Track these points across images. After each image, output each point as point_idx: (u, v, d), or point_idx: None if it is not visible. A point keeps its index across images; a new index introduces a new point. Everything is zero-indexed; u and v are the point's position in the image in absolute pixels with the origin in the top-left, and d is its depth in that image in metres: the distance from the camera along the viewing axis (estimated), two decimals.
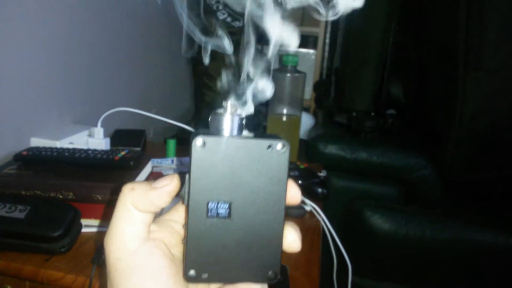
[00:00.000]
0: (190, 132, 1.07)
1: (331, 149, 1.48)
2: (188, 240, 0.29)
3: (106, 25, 1.21)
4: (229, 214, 0.29)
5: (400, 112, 1.75)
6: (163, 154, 1.06)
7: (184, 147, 1.13)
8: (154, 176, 0.89)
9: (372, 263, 1.42)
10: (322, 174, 1.13)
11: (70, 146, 0.90)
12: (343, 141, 1.51)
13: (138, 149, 1.02)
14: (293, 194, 0.31)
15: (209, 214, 0.29)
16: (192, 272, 0.30)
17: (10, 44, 0.85)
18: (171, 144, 1.08)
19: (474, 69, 1.38)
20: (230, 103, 0.30)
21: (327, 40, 2.23)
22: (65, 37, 1.02)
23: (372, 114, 1.65)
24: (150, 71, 1.53)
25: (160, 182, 0.30)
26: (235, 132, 0.30)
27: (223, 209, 0.29)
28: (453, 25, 1.37)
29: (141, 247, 0.29)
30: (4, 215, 0.64)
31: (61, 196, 0.71)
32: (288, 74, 1.18)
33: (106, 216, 0.73)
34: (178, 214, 0.33)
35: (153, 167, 0.92)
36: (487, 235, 1.32)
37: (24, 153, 0.79)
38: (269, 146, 0.29)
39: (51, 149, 0.80)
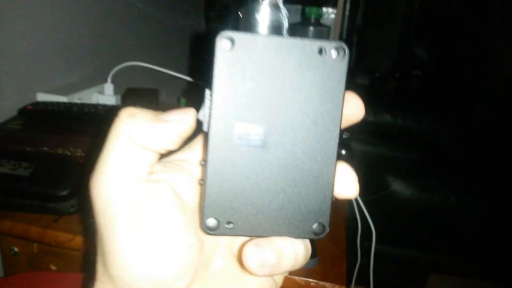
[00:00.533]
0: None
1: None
2: (208, 177, 0.22)
3: None
4: (264, 143, 0.22)
5: (427, 73, 1.65)
6: None
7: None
8: None
9: (394, 230, 1.37)
10: (345, 135, 1.08)
11: (78, 102, 0.84)
12: (366, 103, 1.43)
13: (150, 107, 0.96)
14: (353, 111, 0.23)
15: (238, 141, 0.22)
16: (212, 221, 0.22)
17: None
18: (184, 102, 1.02)
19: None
20: None
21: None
22: None
23: (396, 75, 1.56)
24: (164, 25, 1.45)
25: (171, 115, 0.23)
26: (275, 30, 0.23)
27: (256, 135, 0.22)
28: None
29: (138, 190, 0.22)
30: (8, 172, 0.59)
31: (69, 153, 0.66)
32: (311, 28, 1.09)
33: None
34: (193, 153, 0.25)
35: None
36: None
37: (30, 107, 0.73)
38: (321, 50, 0.21)
39: (58, 103, 0.74)
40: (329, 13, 2.24)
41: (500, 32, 1.30)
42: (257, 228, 0.23)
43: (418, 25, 1.56)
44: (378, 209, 1.35)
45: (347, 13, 2.15)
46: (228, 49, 0.21)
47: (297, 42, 0.21)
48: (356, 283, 1.07)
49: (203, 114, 0.22)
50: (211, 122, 0.21)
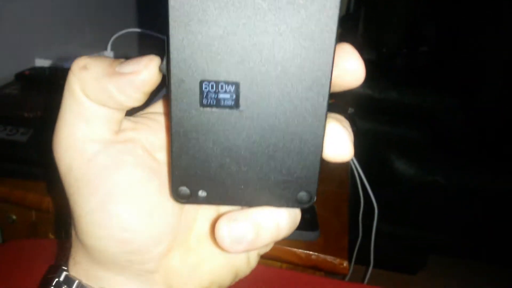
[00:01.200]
0: None
1: (359, 87, 1.37)
2: (174, 143, 0.19)
3: None
4: (237, 102, 0.18)
5: (434, 49, 1.61)
6: None
7: None
8: None
9: (396, 209, 1.36)
10: (350, 111, 1.06)
11: None
12: (372, 78, 1.40)
13: None
14: (353, 67, 0.19)
15: (204, 101, 0.18)
16: (183, 189, 0.20)
17: None
18: None
19: None
20: None
21: None
22: None
23: (404, 51, 1.53)
24: None
25: (129, 65, 0.19)
26: None
27: (226, 94, 0.18)
28: None
29: (102, 153, 0.20)
30: (4, 137, 0.58)
31: None
32: None
33: None
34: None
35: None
36: None
37: (27, 72, 0.71)
38: None
39: (56, 69, 0.72)
40: None
41: (509, 10, 1.26)
42: (234, 197, 0.20)
43: (426, 1, 1.52)
44: (381, 187, 1.34)
45: None
46: None
47: None
48: (356, 260, 1.07)
49: (165, 64, 0.19)
50: (170, 81, 0.18)
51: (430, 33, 1.62)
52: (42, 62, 0.80)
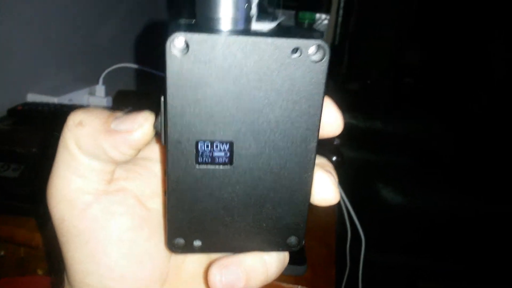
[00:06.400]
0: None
1: (344, 117, 1.40)
2: (170, 198, 0.20)
3: None
4: (230, 159, 0.19)
5: (419, 80, 1.66)
6: None
7: None
8: None
9: (384, 236, 1.37)
10: (336, 142, 1.08)
11: (70, 103, 0.83)
12: (356, 109, 1.44)
13: None
14: (331, 121, 0.20)
15: (200, 159, 0.19)
16: (178, 240, 0.21)
17: None
18: None
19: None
20: None
21: (342, 4, 2.12)
22: None
23: (388, 82, 1.57)
24: (156, 26, 1.44)
25: (123, 122, 0.20)
26: (239, 24, 0.18)
27: (221, 152, 0.19)
28: None
29: (94, 204, 0.21)
30: None
31: None
32: None
33: None
34: (159, 149, 0.23)
35: None
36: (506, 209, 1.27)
37: (19, 107, 0.72)
38: (296, 50, 0.18)
39: (49, 104, 0.73)
40: (322, 19, 2.25)
41: (496, 38, 1.32)
42: (227, 244, 0.21)
43: (410, 33, 1.58)
44: (368, 216, 1.35)
45: (340, 19, 2.16)
46: (181, 54, 0.17)
47: (267, 40, 0.17)
48: None
49: (159, 123, 0.20)
50: (168, 140, 0.19)
51: (414, 64, 1.67)
52: (34, 97, 0.81)
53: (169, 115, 0.18)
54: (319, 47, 0.18)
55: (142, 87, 1.10)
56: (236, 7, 0.18)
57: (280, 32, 0.18)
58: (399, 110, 1.53)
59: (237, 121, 0.19)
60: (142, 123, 0.20)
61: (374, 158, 1.46)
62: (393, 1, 1.54)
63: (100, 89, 0.91)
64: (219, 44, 0.17)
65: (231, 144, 0.19)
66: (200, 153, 0.19)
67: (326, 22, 2.25)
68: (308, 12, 1.08)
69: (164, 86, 0.18)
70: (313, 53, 0.18)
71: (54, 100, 0.82)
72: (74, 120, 0.21)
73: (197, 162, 0.19)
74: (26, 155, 0.65)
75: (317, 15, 2.24)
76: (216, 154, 0.19)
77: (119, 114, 0.21)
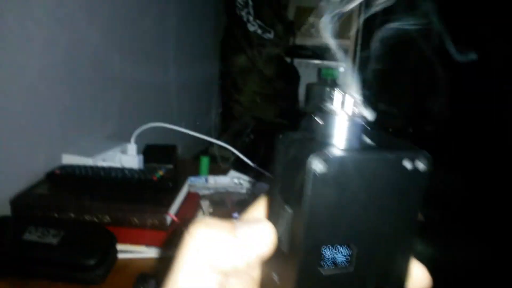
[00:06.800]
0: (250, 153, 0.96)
1: None
2: None
3: (139, 39, 1.18)
4: (349, 262, 0.21)
5: (441, 128, 1.66)
6: (194, 171, 1.01)
7: (215, 165, 1.08)
8: (191, 198, 0.83)
9: None
10: None
11: (103, 163, 0.85)
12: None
13: (170, 166, 0.97)
14: (419, 275, 0.23)
15: (324, 264, 0.20)
16: None
17: (38, 56, 0.81)
18: (205, 161, 1.02)
19: None
20: (347, 98, 0.21)
21: (358, 53, 2.17)
22: (96, 51, 0.98)
23: (410, 130, 1.58)
24: (180, 85, 1.49)
25: (248, 233, 0.21)
26: (354, 141, 0.21)
27: (341, 256, 0.21)
28: None
29: None
30: (36, 240, 0.60)
31: (96, 220, 0.66)
32: (328, 88, 1.12)
33: (141, 240, 0.67)
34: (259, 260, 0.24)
35: (189, 185, 0.86)
36: None
37: (57, 171, 0.74)
38: (408, 161, 0.20)
39: (86, 167, 0.75)
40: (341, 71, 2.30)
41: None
42: None
43: (432, 79, 1.59)
44: None
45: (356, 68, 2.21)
46: (321, 172, 0.19)
47: (385, 158, 0.20)
48: None
49: (282, 232, 0.21)
50: (300, 250, 0.20)
51: (436, 112, 1.68)
52: (69, 158, 0.83)
53: (308, 227, 0.20)
54: (426, 158, 0.21)
55: (166, 141, 1.13)
56: (355, 125, 0.21)
57: (384, 143, 0.21)
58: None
59: (356, 228, 0.21)
60: (268, 234, 0.21)
61: None
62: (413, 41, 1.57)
63: (132, 148, 0.94)
64: (351, 162, 0.20)
65: (351, 249, 0.21)
66: (325, 258, 0.21)
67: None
68: (331, 69, 1.11)
69: (299, 200, 0.20)
70: (421, 163, 0.20)
71: (89, 160, 0.84)
72: (202, 236, 0.21)
73: (320, 266, 0.21)
74: (64, 221, 0.66)
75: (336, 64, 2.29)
76: (338, 258, 0.21)
77: (238, 224, 0.22)
